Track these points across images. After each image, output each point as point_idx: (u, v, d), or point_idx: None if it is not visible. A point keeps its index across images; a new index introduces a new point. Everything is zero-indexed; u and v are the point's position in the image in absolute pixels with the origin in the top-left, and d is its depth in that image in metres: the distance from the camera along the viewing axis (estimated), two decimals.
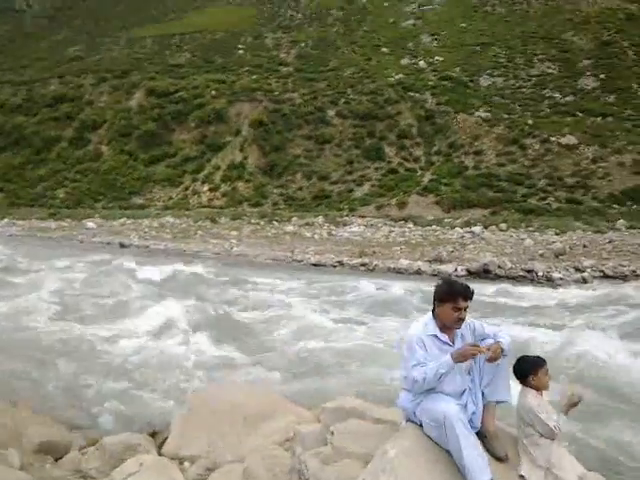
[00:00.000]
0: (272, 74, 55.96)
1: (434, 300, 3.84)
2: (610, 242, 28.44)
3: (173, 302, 13.20)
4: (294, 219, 38.82)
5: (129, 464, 3.92)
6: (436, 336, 3.73)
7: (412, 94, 50.18)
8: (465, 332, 3.84)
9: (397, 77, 53.04)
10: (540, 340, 10.20)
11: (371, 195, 42.16)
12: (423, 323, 3.80)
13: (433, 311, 3.84)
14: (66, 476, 4.52)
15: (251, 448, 4.57)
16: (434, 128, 46.49)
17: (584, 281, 20.71)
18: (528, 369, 3.85)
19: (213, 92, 53.39)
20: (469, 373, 3.79)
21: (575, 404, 3.83)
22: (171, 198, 47.50)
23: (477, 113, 46.72)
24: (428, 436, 3.66)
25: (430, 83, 51.88)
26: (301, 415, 5.23)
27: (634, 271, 21.76)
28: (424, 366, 3.55)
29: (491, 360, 3.73)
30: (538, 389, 3.81)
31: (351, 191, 43.37)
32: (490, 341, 3.79)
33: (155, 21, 75.92)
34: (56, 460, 5.00)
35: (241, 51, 63.59)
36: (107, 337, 10.53)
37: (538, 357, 3.94)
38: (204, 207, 44.78)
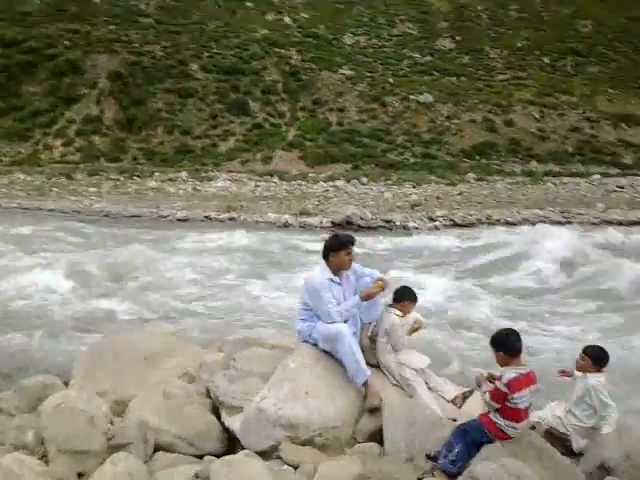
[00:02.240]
0: (131, 25, 53.26)
1: (328, 251, 4.73)
2: (460, 194, 31.04)
3: (48, 259, 13.04)
4: (156, 174, 37.88)
5: (53, 399, 4.18)
6: (331, 279, 4.68)
7: (277, 50, 50.15)
8: (349, 273, 4.80)
9: (262, 32, 52.62)
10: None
11: (236, 150, 42.16)
12: (320, 270, 4.73)
13: (326, 259, 4.72)
14: None
15: (153, 382, 5.04)
16: (299, 84, 46.92)
17: (436, 229, 22.84)
18: (403, 296, 4.79)
19: (67, 42, 49.93)
20: None
21: (417, 329, 4.85)
22: (20, 153, 44.34)
23: (341, 71, 47.76)
24: (321, 351, 4.52)
25: (295, 39, 52.04)
26: (197, 353, 5.75)
27: (480, 219, 24.28)
28: (337, 305, 4.54)
29: (382, 291, 4.69)
30: (402, 312, 4.73)
31: (215, 146, 43.02)
32: (368, 279, 4.78)
33: None
34: None
35: (97, 0, 59.59)
36: None
37: (411, 290, 4.87)
38: (57, 163, 42.33)
